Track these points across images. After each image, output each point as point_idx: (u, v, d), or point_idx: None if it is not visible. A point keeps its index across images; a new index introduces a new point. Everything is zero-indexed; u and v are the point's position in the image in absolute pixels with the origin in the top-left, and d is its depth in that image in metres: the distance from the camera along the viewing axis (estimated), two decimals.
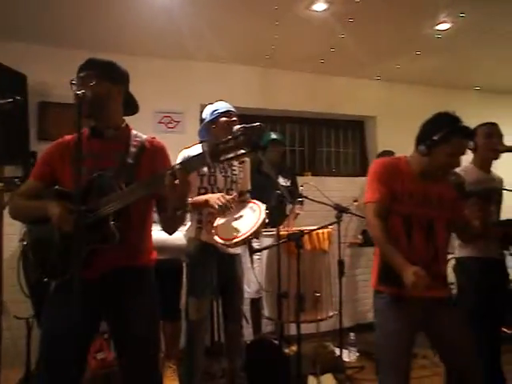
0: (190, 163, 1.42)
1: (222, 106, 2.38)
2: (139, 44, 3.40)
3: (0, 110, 1.62)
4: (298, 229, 2.40)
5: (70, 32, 3.19)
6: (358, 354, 3.26)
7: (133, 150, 1.60)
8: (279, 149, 3.45)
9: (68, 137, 1.68)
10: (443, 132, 1.69)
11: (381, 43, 3.53)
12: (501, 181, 2.38)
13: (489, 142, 2.27)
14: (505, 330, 2.89)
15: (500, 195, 2.34)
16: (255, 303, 3.14)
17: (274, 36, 3.30)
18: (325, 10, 2.94)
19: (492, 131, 2.29)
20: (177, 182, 1.39)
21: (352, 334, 3.30)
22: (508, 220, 2.13)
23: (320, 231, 2.48)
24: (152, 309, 1.63)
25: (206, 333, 2.51)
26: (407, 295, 1.64)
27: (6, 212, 2.77)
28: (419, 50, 3.62)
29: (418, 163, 1.78)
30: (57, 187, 1.59)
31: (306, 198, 2.71)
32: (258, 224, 2.09)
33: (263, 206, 2.18)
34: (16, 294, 2.52)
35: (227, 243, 2.13)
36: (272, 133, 3.49)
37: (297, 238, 2.23)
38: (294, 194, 2.93)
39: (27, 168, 3.18)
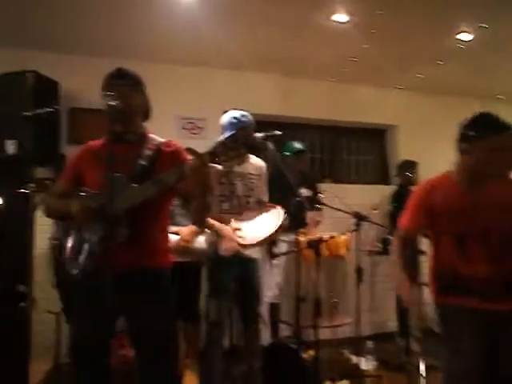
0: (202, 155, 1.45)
1: (243, 120, 2.35)
2: (164, 52, 3.52)
3: (37, 117, 1.74)
4: (317, 235, 2.44)
5: (99, 41, 3.35)
6: (375, 363, 3.24)
7: (148, 152, 1.67)
8: (304, 158, 3.48)
9: (93, 142, 1.78)
10: (479, 127, 1.66)
11: (402, 52, 3.55)
12: None
13: None
14: None
15: None
16: (273, 307, 3.18)
17: (296, 45, 3.37)
18: (347, 22, 2.99)
19: None
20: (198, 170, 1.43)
21: (370, 343, 3.29)
22: None
23: (338, 238, 2.52)
24: (168, 309, 1.67)
25: (225, 334, 2.56)
26: (475, 305, 1.59)
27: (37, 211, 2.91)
28: (441, 59, 3.62)
29: (463, 169, 1.72)
30: (83, 188, 1.69)
31: (324, 205, 2.74)
32: (273, 229, 2.14)
33: (282, 212, 2.23)
34: (46, 290, 2.64)
35: (241, 245, 2.19)
36: (295, 142, 3.52)
37: (315, 244, 2.27)
38: (313, 201, 2.96)
39: (58, 170, 3.32)
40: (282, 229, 2.17)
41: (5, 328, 2.50)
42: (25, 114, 1.64)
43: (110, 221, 1.44)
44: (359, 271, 2.74)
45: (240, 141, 1.33)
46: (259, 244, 2.18)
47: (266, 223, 2.20)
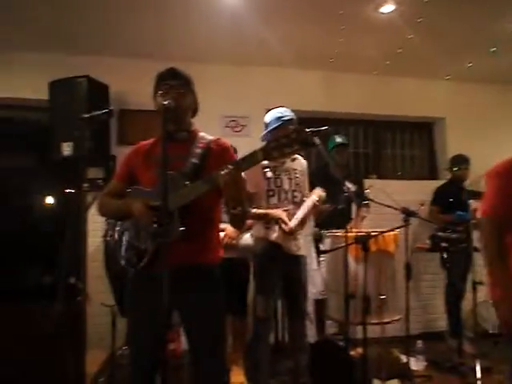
0: (242, 161, 1.47)
1: (284, 114, 2.43)
2: (208, 52, 3.58)
3: (93, 119, 1.82)
4: (364, 231, 2.40)
5: (145, 44, 3.46)
6: (425, 364, 3.15)
7: (199, 151, 1.69)
8: (344, 152, 3.44)
9: (144, 142, 1.83)
10: None
11: (451, 42, 3.41)
12: None
13: None
14: None
15: None
16: (319, 304, 3.16)
17: (339, 40, 3.32)
18: (392, 12, 2.92)
19: None
20: (230, 178, 1.44)
21: (419, 342, 3.19)
22: None
23: (386, 234, 2.46)
24: (218, 305, 1.70)
25: (272, 330, 2.58)
26: None
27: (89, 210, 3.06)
28: (493, 46, 3.44)
29: None
30: (136, 186, 1.75)
31: (371, 200, 2.69)
32: (310, 203, 2.15)
33: (319, 190, 2.22)
34: (100, 284, 2.77)
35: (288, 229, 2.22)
36: (337, 136, 3.50)
37: (363, 240, 2.23)
38: (360, 196, 2.92)
39: (108, 170, 3.48)
40: (320, 202, 2.17)
41: (62, 320, 2.65)
42: (83, 116, 1.70)
43: (165, 218, 1.44)
44: (408, 268, 2.67)
45: (294, 137, 1.32)
46: (302, 222, 2.20)
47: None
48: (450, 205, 3.49)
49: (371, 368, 2.50)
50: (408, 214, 2.59)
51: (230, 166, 1.45)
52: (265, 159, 1.41)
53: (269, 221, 2.33)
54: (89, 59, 3.47)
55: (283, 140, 1.35)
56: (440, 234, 3.29)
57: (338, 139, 3.43)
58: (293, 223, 2.26)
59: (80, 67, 3.22)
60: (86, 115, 1.68)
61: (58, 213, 4.31)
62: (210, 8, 2.93)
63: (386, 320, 2.41)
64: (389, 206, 2.57)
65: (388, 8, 2.87)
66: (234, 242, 2.65)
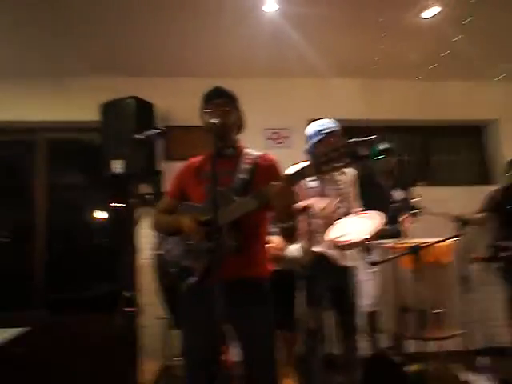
0: (293, 176, 1.49)
1: (326, 127, 2.41)
2: (248, 67, 3.65)
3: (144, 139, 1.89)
4: (416, 241, 2.31)
5: (187, 63, 3.59)
6: (493, 382, 2.94)
7: (246, 166, 1.73)
8: (389, 159, 3.35)
9: (194, 159, 1.88)
10: None
11: (502, 40, 3.26)
12: None
13: None
14: None
15: None
16: (371, 316, 3.07)
17: (380, 47, 3.27)
18: (436, 15, 2.84)
19: None
20: (282, 193, 1.46)
21: (483, 358, 2.99)
22: None
23: (439, 244, 2.36)
24: (268, 317, 1.72)
25: (322, 343, 2.54)
26: None
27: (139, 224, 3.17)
28: None
29: None
30: (186, 202, 1.80)
31: (422, 209, 2.59)
32: (373, 231, 2.08)
33: (382, 215, 2.16)
34: (152, 296, 2.85)
35: (338, 244, 2.16)
36: (381, 144, 3.41)
37: (415, 250, 2.15)
38: (409, 205, 2.83)
39: (156, 185, 3.61)
40: (380, 232, 2.10)
41: (115, 331, 2.75)
42: (137, 136, 1.77)
43: (216, 233, 1.48)
44: (465, 279, 2.54)
45: (343, 151, 1.31)
46: (357, 245, 2.13)
47: (365, 225, 2.15)
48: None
49: None
50: (462, 222, 2.48)
51: (280, 181, 1.47)
52: (316, 173, 1.41)
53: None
54: (135, 80, 3.64)
55: (333, 154, 1.34)
56: (499, 243, 3.10)
57: (381, 146, 3.34)
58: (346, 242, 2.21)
59: (127, 88, 3.39)
60: (140, 135, 1.76)
61: (110, 227, 4.51)
62: (250, 23, 2.99)
63: (443, 335, 2.29)
64: (442, 215, 2.47)
65: (432, 12, 2.80)
66: (280, 253, 2.64)
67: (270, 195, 1.47)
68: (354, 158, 1.32)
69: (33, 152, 3.88)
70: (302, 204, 2.32)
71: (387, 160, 3.32)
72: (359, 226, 2.19)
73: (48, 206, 3.85)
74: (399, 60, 3.57)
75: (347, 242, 2.13)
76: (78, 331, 3.37)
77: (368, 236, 2.08)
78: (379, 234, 2.15)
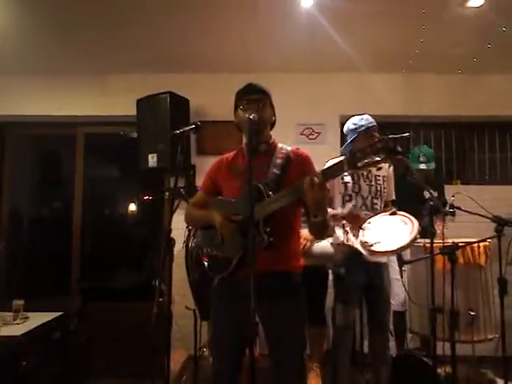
0: (328, 170, 1.49)
1: (362, 124, 2.39)
2: (282, 62, 3.63)
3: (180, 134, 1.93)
4: (451, 241, 2.25)
5: (221, 59, 3.61)
6: None
7: (279, 161, 1.73)
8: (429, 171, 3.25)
9: (226, 154, 1.90)
10: None
11: None
12: None
13: None
14: None
15: None
16: (400, 316, 3.03)
17: (419, 40, 3.18)
18: (481, 5, 2.73)
19: None
20: (315, 188, 1.45)
21: None
22: None
23: (475, 245, 2.29)
24: (300, 311, 1.72)
25: (351, 340, 2.53)
26: None
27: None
28: None
29: None
30: (219, 197, 1.83)
31: (458, 208, 2.51)
32: (407, 241, 2.06)
33: (416, 223, 2.13)
34: (182, 288, 2.93)
35: (371, 250, 2.14)
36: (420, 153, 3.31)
37: (450, 251, 2.10)
38: (444, 204, 2.75)
39: (189, 179, 3.69)
40: (414, 242, 2.08)
41: (148, 321, 2.85)
42: (174, 132, 1.82)
43: (251, 229, 1.47)
44: (502, 282, 2.45)
45: (379, 146, 1.30)
46: (388, 254, 2.11)
47: (398, 234, 2.12)
48: None
49: None
50: (502, 222, 2.38)
51: (315, 174, 1.47)
52: (350, 169, 1.41)
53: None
54: (170, 76, 3.72)
55: (368, 150, 1.34)
56: None
57: (428, 166, 3.24)
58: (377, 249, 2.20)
59: (163, 84, 3.47)
60: (177, 131, 1.80)
61: (144, 219, 4.65)
62: (285, 18, 2.97)
63: (477, 339, 2.23)
64: (479, 215, 2.39)
65: (477, 2, 2.69)
66: (308, 245, 2.63)
67: (304, 189, 1.47)
68: (389, 155, 1.30)
69: (72, 145, 4.04)
70: (337, 213, 2.32)
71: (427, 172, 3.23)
72: (394, 233, 2.16)
73: (85, 197, 4.01)
74: (439, 53, 3.44)
75: (379, 250, 2.11)
76: (110, 319, 3.52)
77: (401, 247, 2.05)
78: (412, 244, 2.13)
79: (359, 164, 1.36)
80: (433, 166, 3.28)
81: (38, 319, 2.61)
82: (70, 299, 3.80)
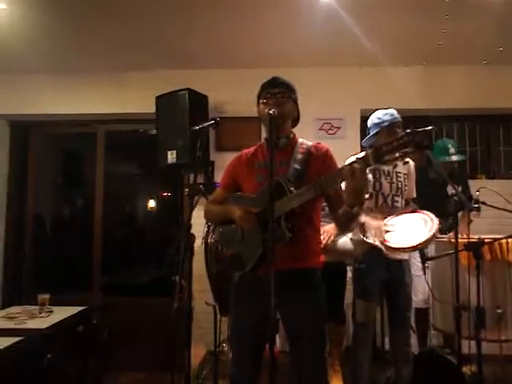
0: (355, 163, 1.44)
1: (386, 119, 2.36)
2: (301, 56, 3.59)
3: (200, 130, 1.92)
4: (476, 237, 2.19)
5: (240, 55, 3.60)
6: None
7: (300, 156, 1.71)
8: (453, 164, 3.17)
9: (246, 150, 1.89)
10: None
11: None
12: None
13: None
14: None
15: None
16: (422, 313, 2.97)
17: (442, 31, 3.09)
18: None
19: None
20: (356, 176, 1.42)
21: None
22: None
23: (503, 241, 2.22)
24: (320, 308, 1.71)
25: (372, 336, 2.50)
26: None
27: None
28: None
29: None
30: (239, 193, 1.82)
31: (484, 204, 2.44)
32: (426, 238, 2.02)
33: (436, 220, 2.08)
34: (201, 284, 2.94)
35: (390, 247, 2.10)
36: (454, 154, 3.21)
37: (476, 247, 2.04)
38: (469, 199, 2.69)
39: (208, 175, 3.70)
40: (434, 238, 2.03)
41: (168, 316, 2.88)
42: (193, 128, 1.82)
43: (272, 224, 1.46)
44: None
45: (406, 139, 1.27)
46: (408, 250, 2.07)
47: (418, 230, 2.08)
48: None
49: None
50: None
51: (356, 161, 1.43)
52: (376, 163, 1.37)
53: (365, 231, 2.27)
54: (189, 73, 3.73)
55: (395, 144, 1.30)
56: None
57: (456, 157, 3.15)
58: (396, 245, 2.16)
59: (181, 80, 3.48)
60: (197, 127, 1.80)
61: (164, 215, 4.70)
62: (304, 12, 2.94)
63: (504, 337, 2.17)
64: (507, 210, 2.31)
65: None
66: (332, 239, 2.60)
67: (328, 187, 1.45)
68: (417, 148, 1.27)
69: (93, 144, 4.10)
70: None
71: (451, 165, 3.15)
72: (413, 230, 2.12)
73: (105, 194, 4.06)
74: (463, 43, 3.33)
75: (398, 247, 2.07)
76: (131, 313, 3.58)
77: (419, 243, 2.02)
78: (431, 242, 2.08)
79: (387, 158, 1.33)
80: (464, 157, 3.18)
81: (61, 313, 2.66)
82: (92, 294, 3.88)
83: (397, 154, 1.32)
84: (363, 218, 2.31)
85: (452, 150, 3.13)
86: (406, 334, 2.38)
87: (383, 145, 1.34)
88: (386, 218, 2.30)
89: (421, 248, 2.16)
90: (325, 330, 1.75)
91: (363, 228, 2.31)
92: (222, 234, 1.90)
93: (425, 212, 2.21)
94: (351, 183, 1.44)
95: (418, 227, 2.11)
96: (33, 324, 2.43)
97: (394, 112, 2.38)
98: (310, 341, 1.67)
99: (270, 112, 1.57)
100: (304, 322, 1.66)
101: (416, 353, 2.58)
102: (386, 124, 2.34)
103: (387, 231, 2.17)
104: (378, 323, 2.79)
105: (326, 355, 1.74)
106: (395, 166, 2.40)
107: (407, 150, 1.28)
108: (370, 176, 2.34)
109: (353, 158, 2.40)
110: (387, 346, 2.61)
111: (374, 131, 2.38)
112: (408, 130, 1.29)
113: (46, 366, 2.22)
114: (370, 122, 2.45)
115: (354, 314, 2.36)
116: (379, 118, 2.38)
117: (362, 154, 1.42)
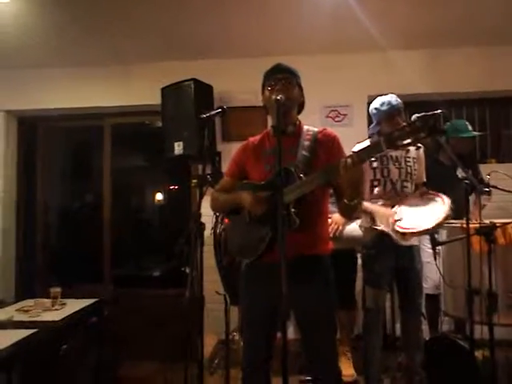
0: (364, 151, 1.44)
1: (383, 109, 2.32)
2: (306, 43, 3.54)
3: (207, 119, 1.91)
4: (488, 221, 2.17)
5: (246, 44, 3.55)
6: None
7: (307, 143, 1.70)
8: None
9: (252, 138, 1.87)
10: None
11: None
12: None
13: None
14: None
15: None
16: (433, 299, 2.96)
17: (450, 12, 3.03)
18: None
19: None
20: (350, 170, 1.42)
21: None
22: None
23: None
24: (329, 295, 1.71)
25: (382, 323, 2.50)
26: None
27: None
28: None
29: None
30: (246, 181, 1.81)
31: (495, 187, 2.41)
32: (440, 220, 2.00)
33: (448, 201, 2.06)
34: (211, 274, 2.95)
35: (401, 232, 2.09)
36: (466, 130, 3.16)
37: (488, 231, 2.02)
38: (480, 182, 2.65)
39: (215, 165, 3.69)
40: (447, 220, 2.01)
41: (179, 307, 2.90)
42: (201, 116, 1.80)
43: (281, 211, 1.45)
44: None
45: (418, 125, 1.25)
46: (419, 234, 2.06)
47: (429, 213, 2.06)
48: None
49: (500, 375, 2.26)
50: None
51: (352, 155, 1.43)
52: (389, 148, 1.36)
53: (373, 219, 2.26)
54: (193, 63, 3.70)
55: (407, 129, 1.29)
56: None
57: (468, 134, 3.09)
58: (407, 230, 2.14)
59: (186, 71, 3.46)
60: (204, 115, 1.78)
61: (172, 207, 4.72)
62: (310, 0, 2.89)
63: None
64: None
65: None
66: (340, 229, 2.60)
67: (340, 171, 1.44)
68: (431, 132, 1.25)
69: (100, 136, 4.11)
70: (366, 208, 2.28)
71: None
72: (425, 213, 2.10)
73: (113, 187, 4.08)
74: (472, 25, 3.26)
75: (409, 231, 2.05)
76: (141, 305, 3.61)
77: (431, 226, 2.00)
78: (443, 224, 2.06)
79: (398, 143, 1.31)
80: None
81: (74, 305, 2.69)
82: (103, 287, 3.92)
83: (409, 140, 1.30)
84: (371, 206, 2.29)
85: (470, 127, 3.07)
86: (417, 320, 2.38)
87: (395, 130, 1.33)
88: (394, 205, 2.28)
89: (435, 229, 2.13)
90: (335, 318, 1.76)
91: (372, 216, 2.30)
92: (231, 222, 1.90)
93: (435, 193, 2.18)
94: (346, 176, 1.43)
95: (429, 210, 2.09)
96: (47, 317, 2.46)
97: (392, 99, 2.32)
98: (320, 328, 1.68)
99: (278, 98, 1.55)
100: (314, 310, 1.67)
101: (427, 338, 2.58)
102: (383, 115, 2.30)
103: (396, 220, 2.15)
104: (388, 309, 2.80)
105: (336, 341, 1.75)
106: (407, 152, 2.37)
107: (420, 134, 1.27)
108: (376, 163, 2.31)
109: (359, 146, 2.40)
110: (398, 332, 2.61)
111: (375, 121, 2.36)
112: (418, 115, 1.27)
113: (62, 356, 2.25)
114: (370, 111, 2.43)
115: (364, 300, 2.35)
116: (376, 109, 2.36)
117: (374, 139, 1.41)
